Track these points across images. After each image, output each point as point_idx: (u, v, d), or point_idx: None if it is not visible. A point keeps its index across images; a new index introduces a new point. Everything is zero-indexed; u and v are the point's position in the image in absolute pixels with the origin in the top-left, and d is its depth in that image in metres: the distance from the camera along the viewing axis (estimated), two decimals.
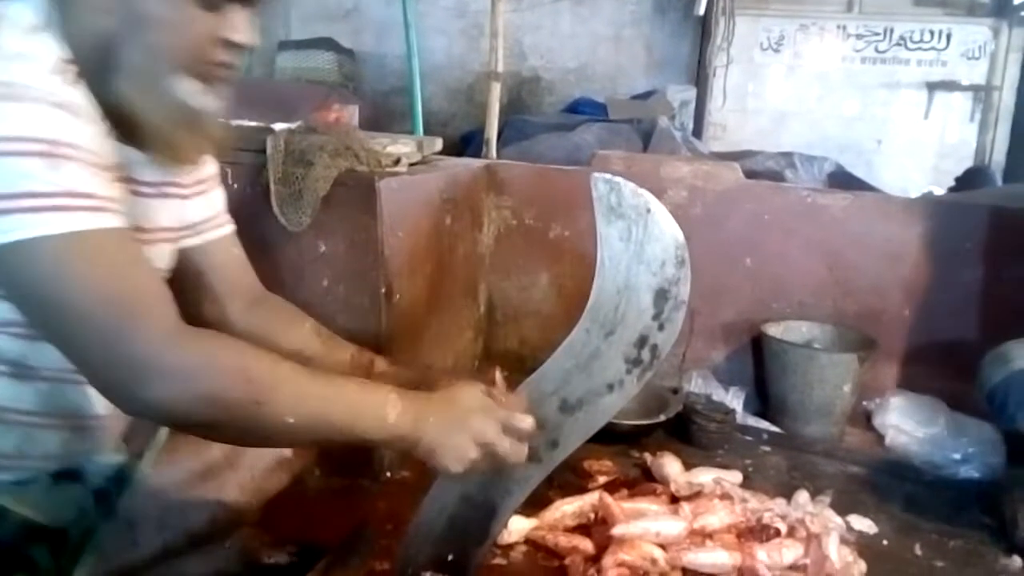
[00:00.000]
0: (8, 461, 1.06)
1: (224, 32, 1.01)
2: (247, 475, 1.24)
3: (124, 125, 1.00)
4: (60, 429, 1.09)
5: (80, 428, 1.11)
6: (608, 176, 1.16)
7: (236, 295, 1.30)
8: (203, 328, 0.98)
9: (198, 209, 1.25)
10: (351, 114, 2.28)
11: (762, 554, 1.50)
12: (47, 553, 1.08)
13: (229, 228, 1.31)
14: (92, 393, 1.09)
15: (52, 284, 0.88)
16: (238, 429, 0.96)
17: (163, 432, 1.22)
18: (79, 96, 0.94)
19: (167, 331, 0.91)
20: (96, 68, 0.97)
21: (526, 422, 1.12)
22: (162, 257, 1.19)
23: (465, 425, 1.07)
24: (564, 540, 1.56)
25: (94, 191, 0.90)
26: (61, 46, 0.95)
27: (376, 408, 1.03)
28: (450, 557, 1.29)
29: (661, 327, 1.16)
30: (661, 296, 1.15)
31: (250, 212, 1.77)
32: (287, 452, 1.27)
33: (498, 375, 1.25)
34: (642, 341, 1.17)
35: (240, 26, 1.02)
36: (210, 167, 1.28)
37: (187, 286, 1.27)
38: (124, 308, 0.89)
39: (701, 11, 5.06)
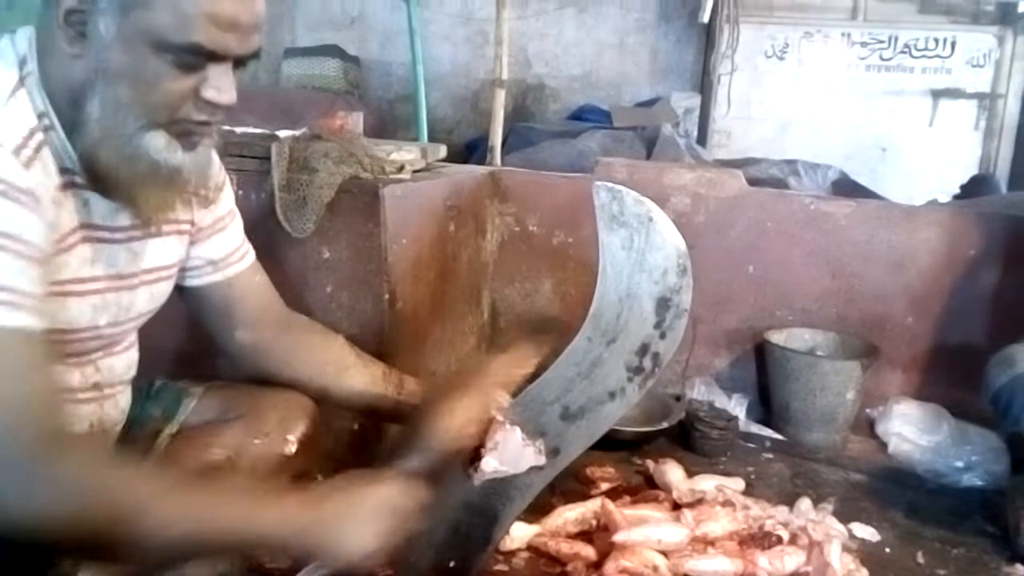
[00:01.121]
0: None
1: (200, 89, 0.97)
2: (249, 476, 1.24)
3: (96, 177, 0.99)
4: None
5: None
6: (610, 184, 1.17)
7: (265, 321, 1.32)
8: (80, 443, 0.97)
9: (217, 247, 1.26)
10: (356, 121, 2.29)
11: (764, 561, 1.50)
12: (41, 560, 1.08)
13: (250, 259, 1.32)
14: (73, 411, 1.09)
15: None
16: (115, 542, 0.91)
17: (164, 436, 1.23)
18: (33, 180, 0.92)
19: (36, 444, 0.87)
20: (70, 118, 0.96)
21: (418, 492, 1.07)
22: (157, 296, 1.19)
23: (359, 517, 1.01)
24: (566, 547, 1.56)
25: (16, 286, 0.88)
26: (40, 96, 0.95)
27: (272, 515, 0.98)
28: (452, 563, 1.29)
29: (663, 335, 1.17)
30: (663, 304, 1.16)
31: (254, 218, 1.78)
32: (289, 451, 1.27)
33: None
34: (644, 349, 1.18)
35: (217, 84, 0.97)
36: (226, 204, 1.29)
37: (218, 317, 1.29)
38: (7, 413, 0.87)
39: (705, 19, 5.06)
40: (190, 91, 0.96)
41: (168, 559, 0.97)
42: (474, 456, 1.21)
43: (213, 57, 0.95)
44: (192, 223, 1.22)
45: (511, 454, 1.19)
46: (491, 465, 1.19)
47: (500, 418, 1.19)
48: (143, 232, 1.12)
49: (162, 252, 1.17)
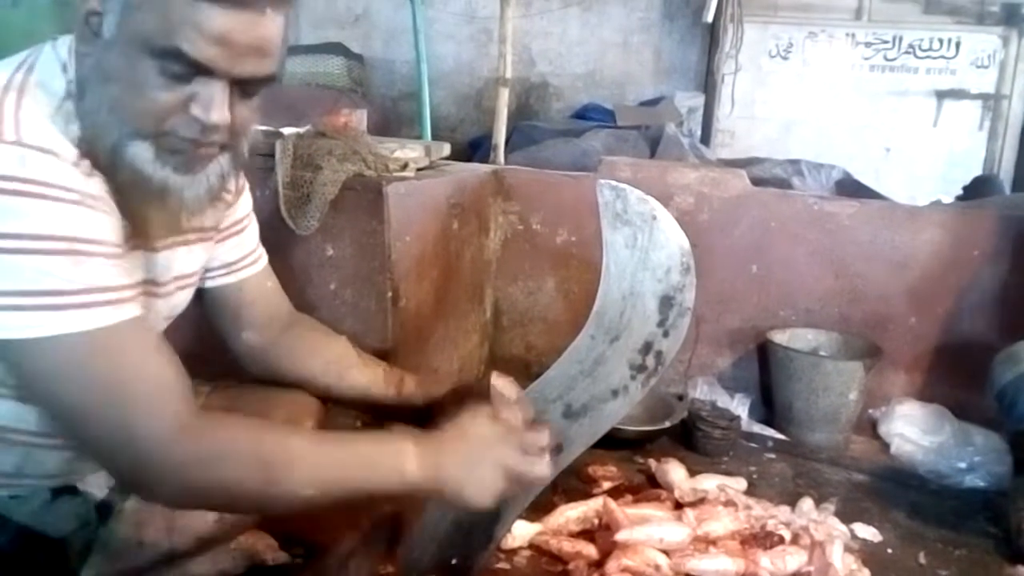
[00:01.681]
0: (7, 479, 1.06)
1: (190, 105, 0.94)
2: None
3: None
4: (61, 449, 1.09)
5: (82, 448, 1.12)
6: (614, 183, 1.17)
7: (273, 323, 1.34)
8: (215, 414, 1.03)
9: (233, 250, 1.28)
10: (360, 119, 2.29)
11: (766, 561, 1.50)
12: (47, 559, 1.08)
13: (263, 263, 1.34)
14: None
15: (65, 383, 0.90)
16: (255, 507, 1.01)
17: None
18: (96, 187, 0.94)
19: (177, 427, 0.92)
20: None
21: (542, 437, 1.11)
22: (181, 301, 1.21)
23: (484, 457, 1.07)
24: (568, 545, 1.56)
25: (114, 283, 0.92)
26: (77, 120, 0.95)
27: (393, 465, 1.03)
28: (454, 560, 1.29)
29: (666, 334, 1.17)
30: (666, 303, 1.16)
31: (258, 216, 1.77)
32: None
33: (501, 380, 1.24)
34: (647, 347, 1.18)
35: (205, 101, 0.93)
36: (244, 207, 1.30)
37: (227, 319, 1.31)
38: (135, 410, 0.91)
39: (710, 18, 5.06)
40: (178, 104, 0.94)
41: (312, 507, 1.03)
42: None
43: (200, 70, 0.92)
44: (216, 228, 1.23)
45: None
46: None
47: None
48: (174, 241, 1.13)
49: (190, 260, 1.18)
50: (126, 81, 0.93)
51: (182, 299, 1.20)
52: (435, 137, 3.73)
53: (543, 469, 1.10)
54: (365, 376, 1.36)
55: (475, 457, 1.06)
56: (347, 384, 1.36)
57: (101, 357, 0.90)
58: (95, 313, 0.89)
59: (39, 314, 0.87)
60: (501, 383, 1.19)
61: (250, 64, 0.96)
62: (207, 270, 1.26)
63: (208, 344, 1.32)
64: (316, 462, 0.99)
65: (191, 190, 0.99)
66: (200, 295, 1.28)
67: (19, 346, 0.88)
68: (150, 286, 1.10)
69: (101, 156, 0.95)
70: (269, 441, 0.98)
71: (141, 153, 0.95)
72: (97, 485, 1.16)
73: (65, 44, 0.99)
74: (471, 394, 1.29)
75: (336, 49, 5.53)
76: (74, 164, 0.92)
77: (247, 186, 1.30)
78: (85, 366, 0.89)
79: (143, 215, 1.03)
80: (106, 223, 0.94)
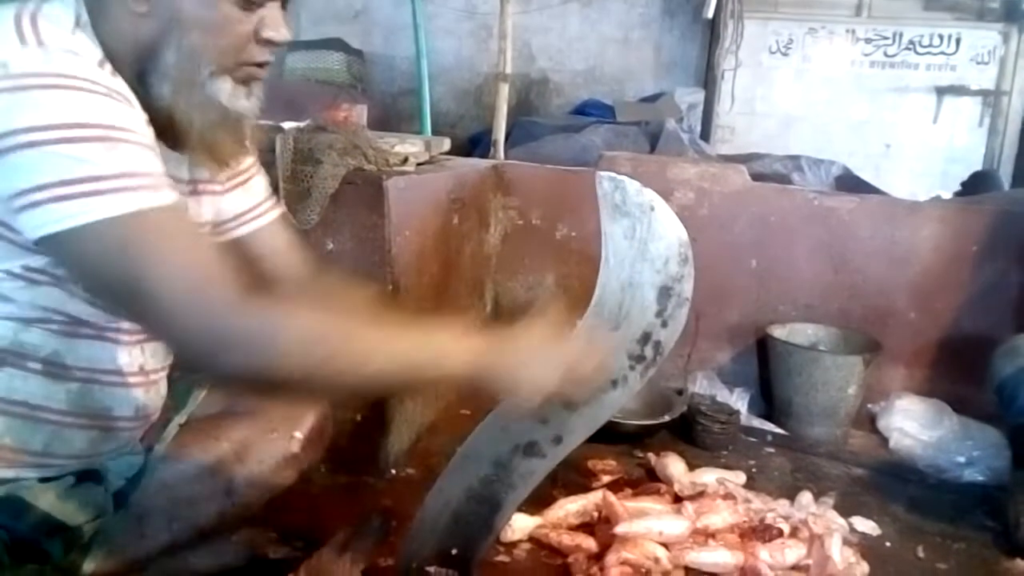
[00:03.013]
0: (35, 459, 1.06)
1: (260, 30, 1.02)
2: (255, 471, 1.25)
3: (163, 127, 1.01)
4: (89, 428, 1.09)
5: (107, 429, 1.11)
6: (613, 174, 1.18)
7: (291, 275, 1.30)
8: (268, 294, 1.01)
9: (239, 200, 1.26)
10: (360, 114, 2.29)
11: (764, 554, 1.51)
12: (60, 548, 1.09)
13: (275, 214, 1.31)
14: (121, 394, 1.10)
15: (121, 263, 0.90)
16: (319, 384, 0.99)
17: (173, 426, 1.24)
18: (123, 86, 0.96)
19: (236, 299, 0.93)
20: (134, 71, 0.98)
21: (600, 352, 1.13)
22: None
23: (543, 356, 1.08)
24: (567, 538, 1.57)
25: (150, 170, 0.93)
26: (97, 46, 0.97)
27: (455, 345, 1.04)
28: (454, 551, 1.30)
29: (664, 324, 1.17)
30: (665, 293, 1.16)
31: None
32: (295, 448, 1.28)
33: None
34: (646, 337, 1.18)
35: (276, 23, 1.03)
36: (247, 158, 1.27)
37: (242, 271, 1.27)
38: (193, 280, 0.91)
39: (710, 14, 5.06)
40: (252, 32, 1.01)
41: (379, 388, 1.06)
42: None
43: None
44: (210, 180, 1.21)
45: None
46: None
47: None
48: (190, 188, 1.14)
49: (197, 211, 1.17)
50: (207, 24, 0.98)
51: None
52: (435, 133, 3.73)
53: (586, 392, 1.13)
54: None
55: (535, 355, 1.08)
56: None
57: (150, 235, 0.91)
58: (134, 196, 0.90)
59: (80, 201, 0.87)
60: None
61: None
62: (216, 225, 1.24)
63: None
64: (377, 338, 0.99)
65: (255, 111, 1.07)
66: None
67: (68, 236, 0.88)
68: None
69: (185, 102, 0.99)
70: (327, 315, 0.99)
71: (223, 88, 1.02)
72: (118, 473, 1.16)
73: (72, 3, 0.99)
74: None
75: (336, 45, 5.52)
76: (99, 64, 0.95)
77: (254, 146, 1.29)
78: (134, 246, 0.90)
79: (220, 145, 1.07)
80: (135, 116, 0.95)
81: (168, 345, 0.96)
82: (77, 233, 0.88)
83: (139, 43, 0.98)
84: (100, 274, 0.92)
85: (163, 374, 1.20)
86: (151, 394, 1.15)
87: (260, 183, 1.30)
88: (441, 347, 1.03)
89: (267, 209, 1.29)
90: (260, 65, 1.05)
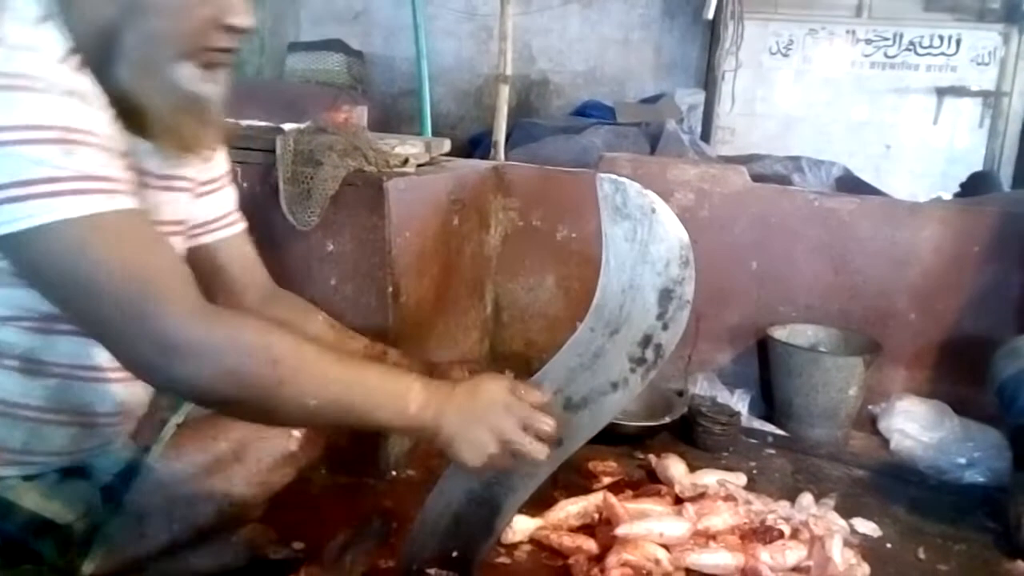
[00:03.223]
0: (15, 456, 1.06)
1: (223, 17, 1.01)
2: (254, 469, 1.25)
3: (128, 114, 1.01)
4: (68, 425, 1.09)
5: (89, 425, 1.12)
6: (613, 176, 1.17)
7: (249, 291, 1.32)
8: (225, 308, 1.00)
9: (209, 207, 1.27)
10: (360, 115, 2.29)
11: (765, 555, 1.50)
12: (53, 547, 1.09)
13: (241, 226, 1.33)
14: (101, 390, 1.10)
15: (75, 267, 0.89)
16: (258, 408, 0.97)
17: (170, 426, 1.24)
18: (87, 83, 0.95)
19: (190, 309, 0.92)
20: (98, 58, 0.98)
21: (548, 423, 1.10)
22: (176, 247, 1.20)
23: (486, 419, 1.06)
24: (568, 540, 1.57)
25: (109, 174, 0.92)
26: (64, 36, 0.96)
27: (398, 397, 1.03)
28: (454, 553, 1.29)
29: (665, 326, 1.17)
30: (665, 296, 1.16)
31: (259, 211, 1.78)
32: (293, 447, 1.28)
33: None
34: (646, 340, 1.17)
35: (237, 9, 1.03)
36: (220, 166, 1.29)
37: (202, 282, 1.27)
38: (147, 287, 0.90)
39: (710, 15, 5.05)
40: (213, 17, 1.01)
41: (310, 423, 1.05)
42: None
43: None
44: (183, 178, 1.22)
45: None
46: None
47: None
48: (162, 183, 1.14)
49: (171, 206, 1.18)
50: (167, 8, 0.98)
51: (175, 245, 1.19)
52: (435, 134, 3.73)
53: (539, 452, 1.09)
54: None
55: (478, 415, 1.06)
56: None
57: (106, 239, 0.90)
58: (91, 200, 0.89)
59: (36, 203, 0.87)
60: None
61: None
62: (185, 226, 1.24)
63: None
64: (324, 372, 0.98)
65: (219, 96, 1.06)
66: None
67: (22, 238, 0.88)
68: None
69: (145, 87, 0.99)
70: (281, 341, 0.97)
71: (186, 73, 1.01)
72: (104, 469, 1.16)
73: None
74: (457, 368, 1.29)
75: (336, 46, 5.53)
76: (60, 61, 0.94)
77: (224, 146, 1.29)
78: (90, 248, 0.89)
79: (182, 131, 1.05)
80: (98, 117, 0.94)
81: (117, 351, 0.93)
82: (33, 234, 0.87)
83: (103, 28, 0.98)
84: (54, 276, 0.91)
85: None
86: (133, 390, 1.15)
87: (230, 194, 1.32)
88: (389, 393, 1.03)
89: (234, 220, 1.32)
90: (224, 51, 1.04)
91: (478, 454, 1.06)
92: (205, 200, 1.26)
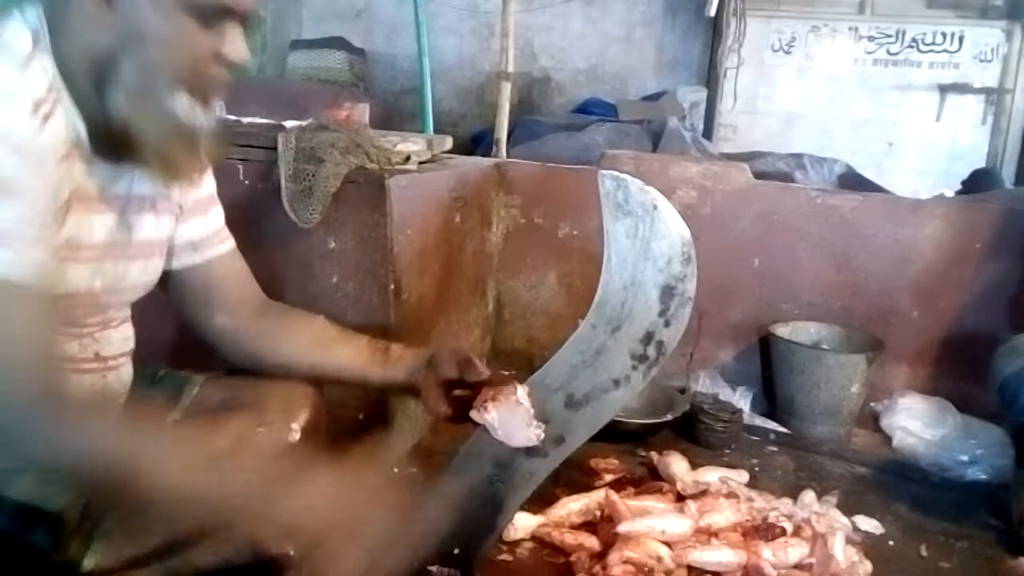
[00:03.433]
0: None
1: (220, 48, 1.02)
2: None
3: (118, 140, 1.02)
4: None
5: None
6: (615, 173, 1.17)
7: (244, 306, 1.33)
8: (73, 401, 0.97)
9: (198, 228, 1.28)
10: (362, 112, 2.29)
11: (767, 553, 1.50)
12: (47, 536, 1.09)
13: (229, 244, 1.34)
14: (75, 381, 1.10)
15: None
16: (106, 498, 0.98)
17: (168, 423, 1.24)
18: (46, 141, 0.95)
19: (39, 400, 0.89)
20: (90, 84, 0.99)
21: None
22: (151, 270, 1.21)
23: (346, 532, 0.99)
24: (570, 537, 1.57)
25: (9, 231, 0.89)
26: (52, 67, 0.97)
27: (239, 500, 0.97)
28: (456, 550, 1.29)
29: (667, 323, 1.17)
30: (667, 293, 1.16)
31: (261, 208, 1.79)
32: (293, 439, 1.28)
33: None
34: (648, 337, 1.17)
35: (235, 43, 1.04)
36: (207, 187, 1.30)
37: (197, 300, 1.30)
38: (8, 365, 0.88)
39: (712, 12, 5.05)
40: (211, 51, 1.02)
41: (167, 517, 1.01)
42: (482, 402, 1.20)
43: (230, 14, 1.02)
44: (180, 204, 1.24)
45: (511, 425, 1.18)
46: (490, 417, 1.18)
47: (521, 390, 1.18)
48: (138, 205, 1.14)
49: (155, 227, 1.19)
50: (166, 39, 0.99)
51: (151, 268, 1.20)
52: (437, 132, 3.73)
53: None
54: (349, 350, 1.34)
55: (344, 523, 0.99)
56: (332, 360, 1.34)
57: None
58: None
59: None
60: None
61: (254, 1, 1.06)
62: (172, 250, 1.26)
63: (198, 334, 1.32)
64: (170, 472, 0.92)
65: (210, 125, 1.07)
66: (169, 279, 1.28)
67: None
68: (109, 248, 1.10)
69: (140, 115, 1.00)
70: (117, 441, 0.93)
71: (185, 104, 1.02)
72: None
73: (34, 12, 1.00)
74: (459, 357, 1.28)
75: (338, 44, 5.53)
76: (30, 113, 0.93)
77: (210, 169, 1.30)
78: None
79: (175, 159, 1.06)
80: (34, 181, 0.92)
81: None
82: None
83: (99, 54, 0.99)
84: None
85: (124, 359, 1.21)
86: (110, 380, 1.16)
87: (218, 213, 1.33)
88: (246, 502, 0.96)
89: (224, 238, 1.32)
90: (218, 82, 1.06)
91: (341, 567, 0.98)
92: (194, 222, 1.27)
